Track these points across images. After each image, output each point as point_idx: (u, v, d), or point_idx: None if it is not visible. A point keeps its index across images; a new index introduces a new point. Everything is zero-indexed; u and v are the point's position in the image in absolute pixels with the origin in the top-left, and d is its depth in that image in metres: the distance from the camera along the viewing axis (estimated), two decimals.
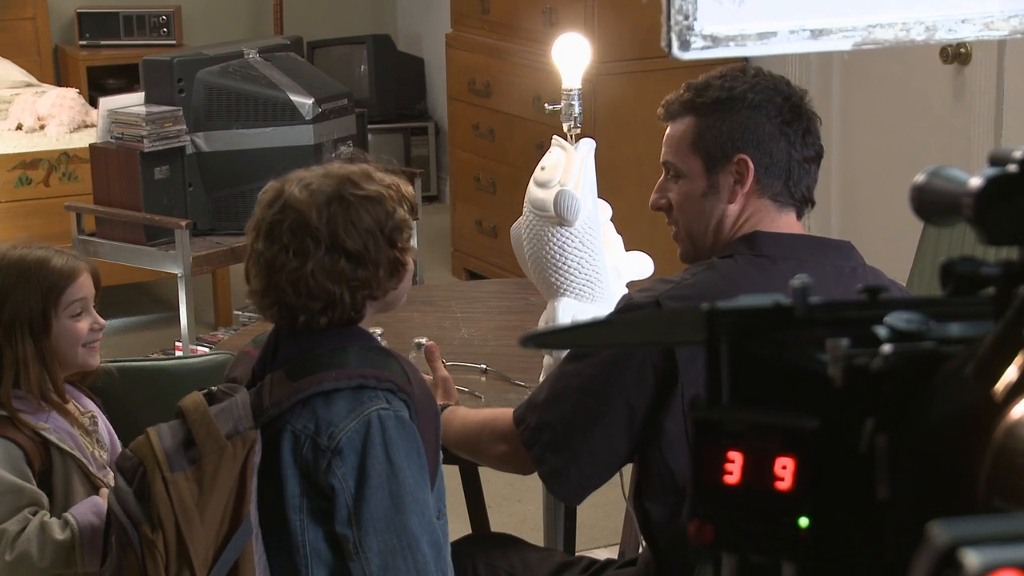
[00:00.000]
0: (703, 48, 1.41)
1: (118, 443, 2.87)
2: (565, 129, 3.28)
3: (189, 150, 5.38)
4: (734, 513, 0.92)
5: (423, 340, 3.22)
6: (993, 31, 1.69)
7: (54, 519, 2.67)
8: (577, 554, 2.96)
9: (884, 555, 0.91)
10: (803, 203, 2.58)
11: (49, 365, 2.73)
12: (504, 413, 2.63)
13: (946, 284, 0.97)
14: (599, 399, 2.49)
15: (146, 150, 5.23)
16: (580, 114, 3.28)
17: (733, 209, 2.55)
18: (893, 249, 5.29)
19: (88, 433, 2.80)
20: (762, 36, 1.46)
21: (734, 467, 0.91)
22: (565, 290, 3.20)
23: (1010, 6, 1.77)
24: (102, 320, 2.84)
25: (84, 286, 2.78)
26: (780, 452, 0.91)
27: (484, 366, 3.31)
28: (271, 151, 5.36)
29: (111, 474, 2.79)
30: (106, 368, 2.92)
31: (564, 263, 3.18)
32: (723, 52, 1.46)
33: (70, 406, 2.80)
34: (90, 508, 2.71)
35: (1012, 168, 0.94)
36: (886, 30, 1.62)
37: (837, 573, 0.92)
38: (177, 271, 5.23)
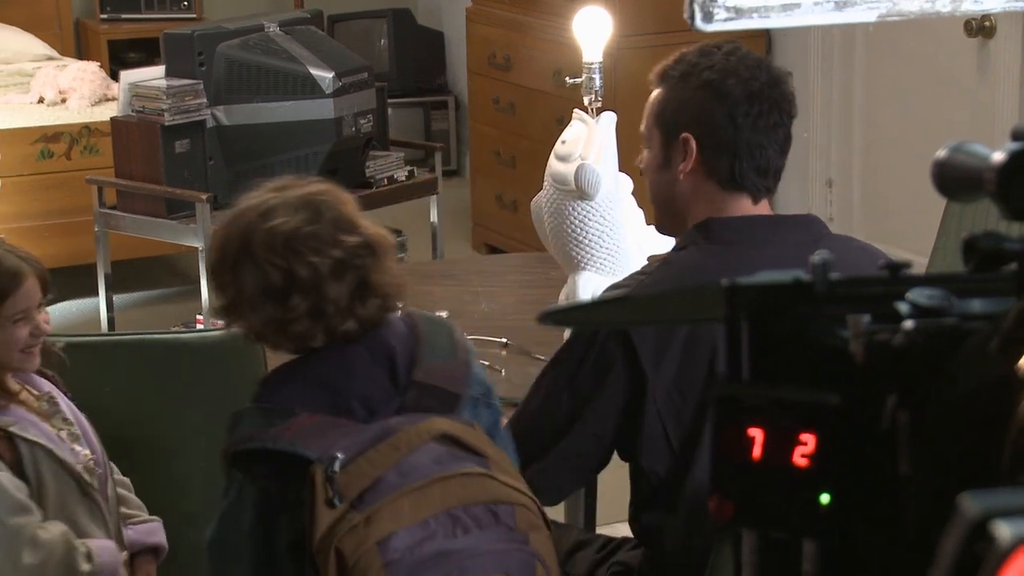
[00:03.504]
0: (726, 19, 1.40)
1: (82, 417, 2.82)
2: (586, 103, 3.27)
3: (210, 123, 5.37)
4: (754, 490, 0.91)
5: (444, 313, 3.23)
6: (1019, 2, 1.68)
7: (79, 548, 2.64)
8: (596, 532, 2.95)
9: (906, 532, 0.90)
10: (756, 189, 2.54)
11: None
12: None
13: (968, 260, 0.96)
14: (576, 420, 2.53)
15: (167, 124, 5.23)
16: (601, 88, 3.27)
17: (684, 187, 2.55)
18: (916, 224, 5.28)
19: (47, 417, 2.74)
20: (786, 7, 1.45)
21: (756, 443, 0.91)
22: (586, 264, 3.20)
23: None
24: (45, 326, 2.73)
25: (28, 293, 2.68)
26: (801, 428, 0.90)
27: (505, 340, 3.31)
28: (291, 125, 5.35)
29: (84, 449, 2.76)
30: (58, 353, 2.87)
31: (585, 237, 3.18)
32: (746, 24, 1.45)
33: (24, 395, 2.74)
34: (110, 556, 2.69)
35: None
36: (911, 2, 1.61)
37: (858, 550, 0.91)
38: (198, 244, 5.24)
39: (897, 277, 0.98)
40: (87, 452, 2.77)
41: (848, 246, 2.59)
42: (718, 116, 2.50)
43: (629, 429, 2.48)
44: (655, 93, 2.59)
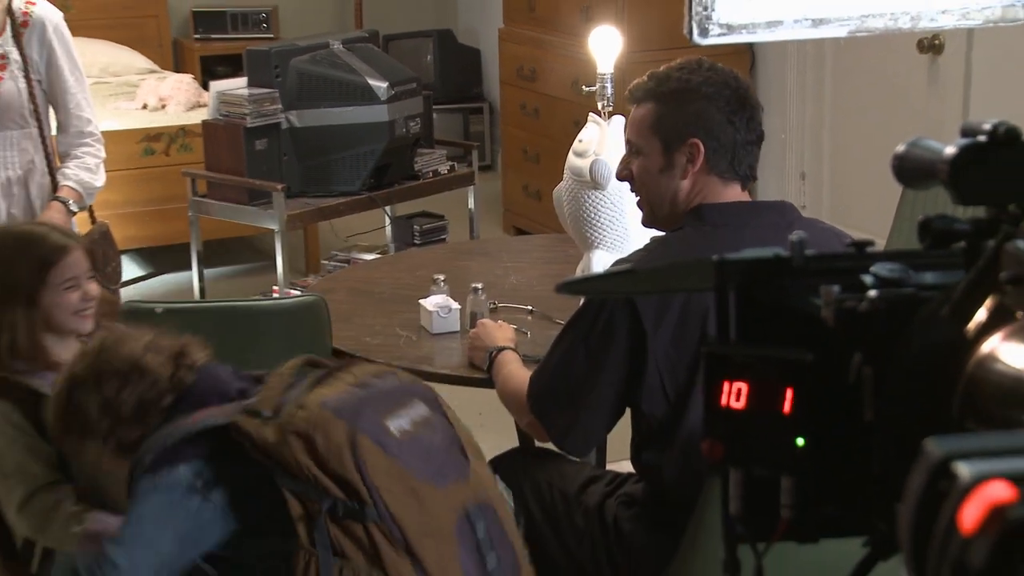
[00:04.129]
0: (719, 35, 1.39)
1: None
2: (599, 108, 3.25)
3: (284, 125, 5.37)
4: (741, 434, 0.90)
5: (479, 285, 3.22)
6: (969, 20, 1.66)
7: (76, 511, 2.50)
8: (607, 467, 2.94)
9: (870, 469, 0.89)
10: (746, 177, 2.55)
11: (38, 331, 2.56)
12: (525, 388, 2.63)
13: (923, 239, 0.95)
14: (593, 375, 2.50)
15: (248, 125, 5.23)
16: (612, 95, 3.24)
17: (686, 184, 2.52)
18: (876, 210, 5.25)
19: None
20: (770, 24, 1.44)
21: (741, 395, 0.90)
22: (598, 244, 3.18)
23: None
24: (93, 292, 2.63)
25: (76, 263, 2.59)
26: (780, 382, 0.89)
27: (530, 307, 3.30)
28: (352, 127, 5.35)
29: None
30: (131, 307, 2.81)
31: (598, 221, 3.16)
32: (737, 38, 1.44)
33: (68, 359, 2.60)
34: (101, 526, 2.50)
35: (981, 138, 0.92)
36: (877, 19, 1.59)
37: (829, 485, 0.90)
38: (274, 227, 5.24)
39: (862, 253, 0.97)
40: None
41: (815, 227, 2.58)
42: (720, 122, 2.48)
43: (633, 380, 2.47)
44: (646, 108, 2.55)
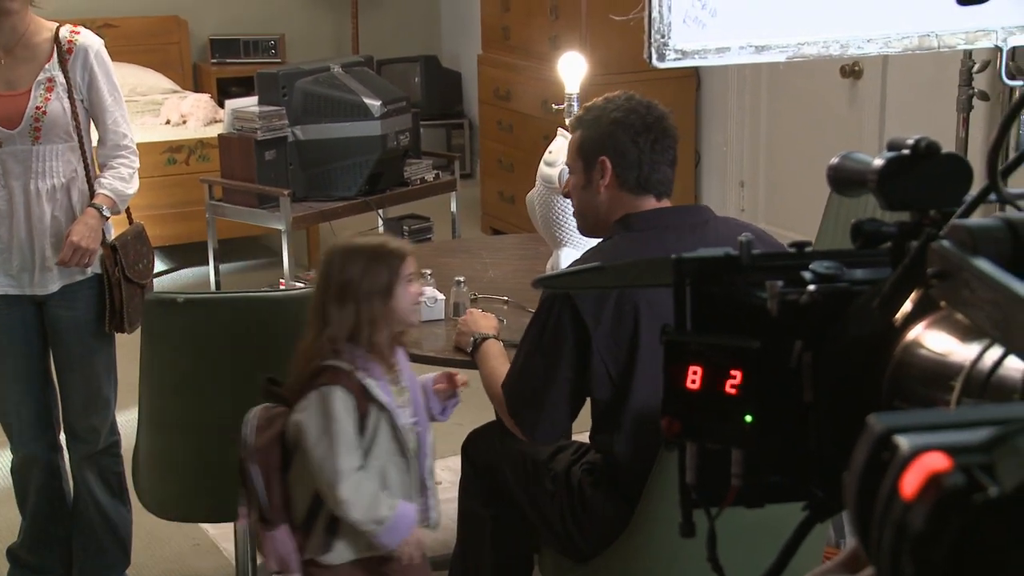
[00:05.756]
0: (675, 60, 1.37)
1: (416, 384, 2.65)
2: (567, 124, 3.24)
3: (290, 139, 5.33)
4: (696, 412, 0.89)
5: (461, 279, 3.20)
6: (890, 48, 1.65)
7: (385, 495, 2.51)
8: (572, 439, 2.93)
9: (808, 443, 0.88)
10: (660, 193, 2.53)
11: (391, 325, 2.53)
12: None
13: (856, 239, 0.94)
14: (551, 373, 2.49)
15: (259, 139, 5.19)
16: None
17: (601, 198, 2.54)
18: (804, 213, 5.25)
19: (396, 383, 2.58)
20: (719, 51, 1.43)
21: (696, 377, 0.88)
22: (566, 242, 3.17)
23: (902, 30, 1.74)
24: (422, 287, 2.66)
25: (412, 262, 2.58)
26: (731, 366, 0.88)
27: (506, 298, 3.29)
28: (349, 140, 5.32)
29: (407, 410, 2.58)
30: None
31: (565, 222, 3.15)
32: (690, 62, 1.43)
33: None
34: (408, 521, 2.52)
35: (906, 151, 0.91)
36: (811, 47, 1.58)
37: (773, 457, 0.89)
38: (281, 227, 5.21)
39: (802, 252, 0.95)
40: (413, 417, 2.59)
41: (729, 224, 2.60)
42: (624, 142, 2.51)
43: (583, 370, 2.47)
44: (575, 135, 2.60)
